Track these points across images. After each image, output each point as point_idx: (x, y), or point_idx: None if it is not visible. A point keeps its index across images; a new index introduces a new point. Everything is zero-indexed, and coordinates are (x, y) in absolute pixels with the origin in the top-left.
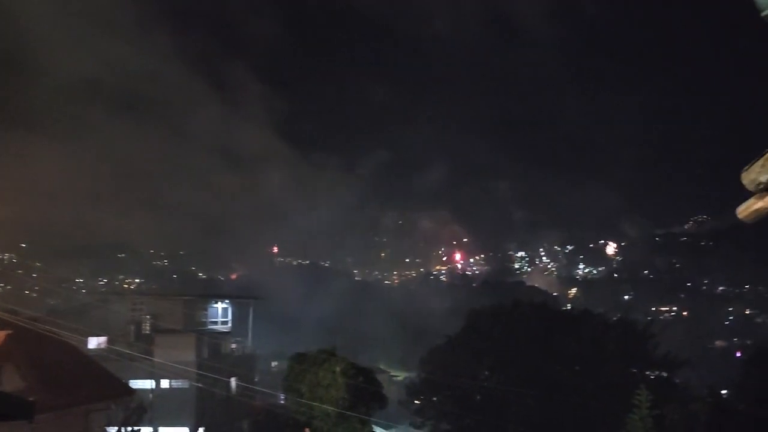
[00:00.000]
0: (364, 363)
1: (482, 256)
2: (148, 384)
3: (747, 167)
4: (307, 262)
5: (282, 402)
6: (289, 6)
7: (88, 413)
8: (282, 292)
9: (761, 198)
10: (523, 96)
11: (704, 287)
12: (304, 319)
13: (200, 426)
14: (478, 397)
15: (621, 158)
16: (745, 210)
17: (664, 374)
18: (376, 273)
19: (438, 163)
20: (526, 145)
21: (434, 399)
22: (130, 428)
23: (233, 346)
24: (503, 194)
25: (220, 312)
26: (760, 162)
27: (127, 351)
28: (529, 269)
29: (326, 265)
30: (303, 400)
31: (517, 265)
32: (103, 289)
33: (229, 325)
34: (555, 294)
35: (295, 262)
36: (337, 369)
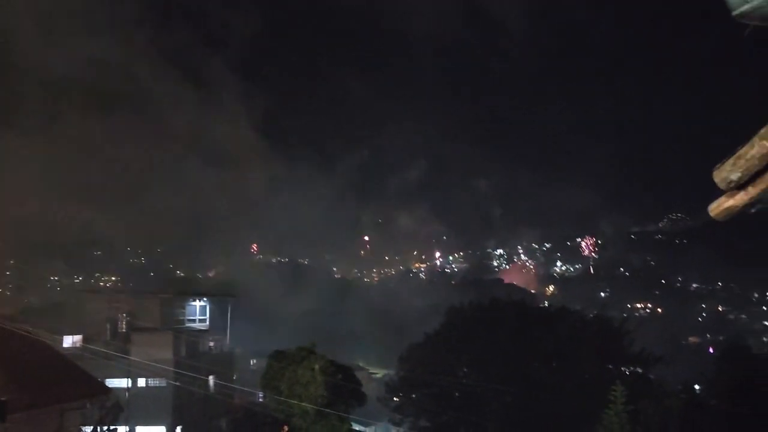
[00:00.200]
0: (343, 360)
1: (461, 253)
2: (124, 382)
3: (718, 166)
4: (287, 259)
5: (261, 400)
6: (267, 3)
7: (63, 412)
8: (261, 290)
9: (732, 196)
10: (501, 95)
11: (678, 284)
12: (283, 317)
13: (177, 425)
14: (457, 395)
15: (598, 157)
16: (717, 208)
17: (639, 370)
18: (356, 270)
19: (417, 160)
20: (505, 143)
21: (413, 396)
22: (105, 427)
23: (211, 344)
24: (482, 192)
25: (198, 310)
26: (731, 160)
27: (103, 349)
28: (507, 267)
29: (306, 262)
30: (282, 398)
31: (495, 263)
32: (79, 287)
33: (207, 323)
34: (533, 291)
35: (274, 260)
36: (316, 367)
